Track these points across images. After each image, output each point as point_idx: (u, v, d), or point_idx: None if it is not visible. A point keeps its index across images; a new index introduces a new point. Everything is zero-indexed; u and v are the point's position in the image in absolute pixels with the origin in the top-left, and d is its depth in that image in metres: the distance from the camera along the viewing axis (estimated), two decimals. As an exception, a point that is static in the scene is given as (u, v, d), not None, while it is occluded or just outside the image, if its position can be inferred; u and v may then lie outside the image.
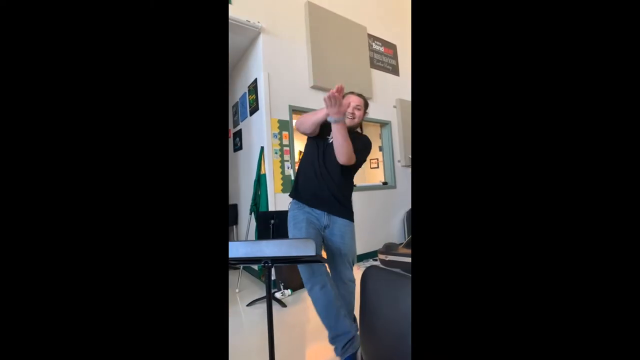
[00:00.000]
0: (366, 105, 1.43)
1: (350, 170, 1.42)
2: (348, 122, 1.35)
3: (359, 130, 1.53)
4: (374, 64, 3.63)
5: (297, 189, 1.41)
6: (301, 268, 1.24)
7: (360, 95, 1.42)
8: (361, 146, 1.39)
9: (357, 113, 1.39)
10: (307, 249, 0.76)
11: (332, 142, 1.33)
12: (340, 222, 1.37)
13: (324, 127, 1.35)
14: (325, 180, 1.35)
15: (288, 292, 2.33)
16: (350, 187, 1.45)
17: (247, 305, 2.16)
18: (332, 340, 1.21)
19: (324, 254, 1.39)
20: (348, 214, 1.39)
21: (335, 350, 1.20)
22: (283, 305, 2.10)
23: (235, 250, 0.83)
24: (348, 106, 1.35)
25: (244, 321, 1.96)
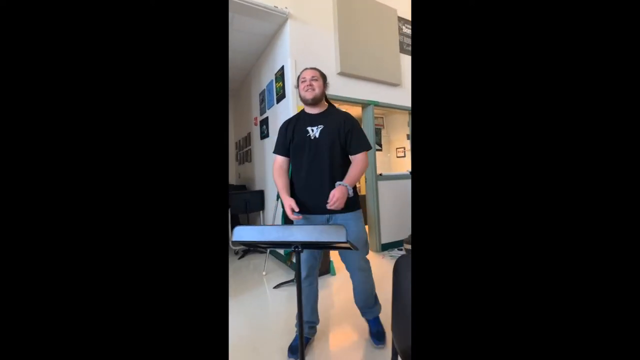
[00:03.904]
0: (323, 76, 1.39)
1: (346, 158, 1.38)
2: (309, 94, 1.34)
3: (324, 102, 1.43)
4: (404, 49, 3.48)
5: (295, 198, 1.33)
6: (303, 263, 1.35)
7: (313, 68, 1.39)
8: (360, 135, 1.37)
9: (315, 84, 1.35)
10: (339, 235, 0.77)
11: (316, 135, 1.33)
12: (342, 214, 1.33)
13: (298, 131, 1.35)
14: (318, 185, 1.31)
15: (313, 277, 2.38)
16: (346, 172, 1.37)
17: (274, 288, 2.24)
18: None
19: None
20: (348, 208, 1.31)
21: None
22: (308, 289, 2.16)
23: (268, 234, 0.85)
24: (305, 85, 1.34)
25: (270, 303, 2.03)
